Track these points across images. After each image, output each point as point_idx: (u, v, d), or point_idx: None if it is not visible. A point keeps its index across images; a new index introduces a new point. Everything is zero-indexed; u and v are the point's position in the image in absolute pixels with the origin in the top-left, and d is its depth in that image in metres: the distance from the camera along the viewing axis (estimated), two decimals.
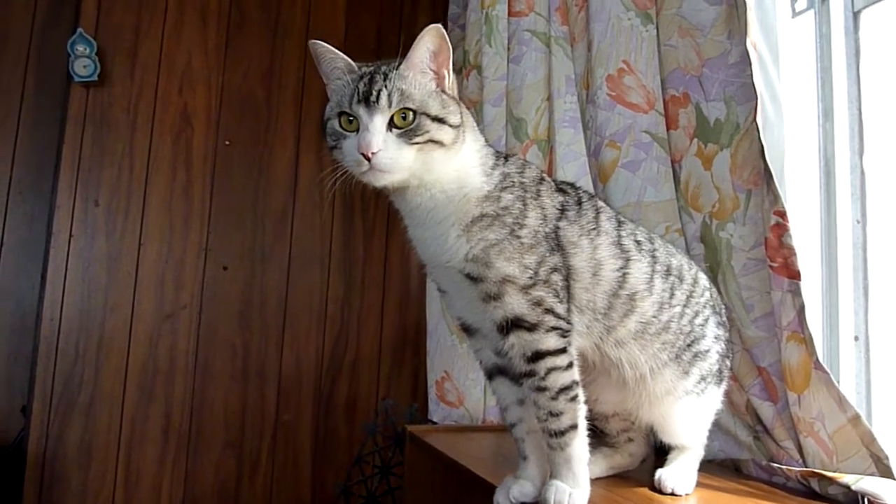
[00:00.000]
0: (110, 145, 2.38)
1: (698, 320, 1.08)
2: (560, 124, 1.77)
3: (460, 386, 2.17)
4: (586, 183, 1.66)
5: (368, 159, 0.91)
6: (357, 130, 0.94)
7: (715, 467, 1.23)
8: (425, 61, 0.96)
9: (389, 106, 0.92)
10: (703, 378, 1.07)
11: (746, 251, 1.21)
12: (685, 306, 1.07)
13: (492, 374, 1.07)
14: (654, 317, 1.04)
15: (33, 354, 2.27)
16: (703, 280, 1.14)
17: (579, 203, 1.05)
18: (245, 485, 2.39)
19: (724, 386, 1.13)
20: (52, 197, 2.34)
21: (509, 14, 1.96)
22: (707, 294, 1.12)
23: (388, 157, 0.91)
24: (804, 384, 1.06)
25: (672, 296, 1.06)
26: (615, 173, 1.44)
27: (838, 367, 1.23)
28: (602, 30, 1.50)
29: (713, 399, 1.11)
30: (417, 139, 0.93)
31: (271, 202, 2.52)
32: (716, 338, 1.10)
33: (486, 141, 1.06)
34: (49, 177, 2.39)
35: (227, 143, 2.49)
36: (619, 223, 1.07)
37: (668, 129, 1.35)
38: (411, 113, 0.93)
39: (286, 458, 2.44)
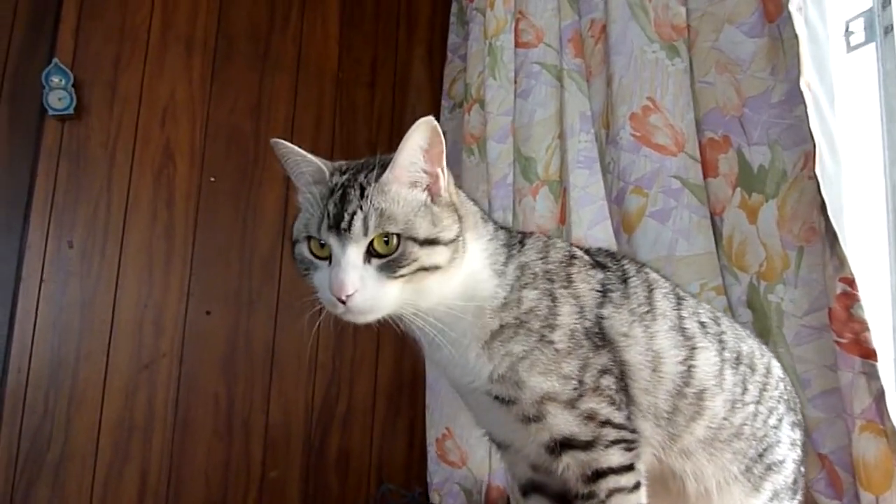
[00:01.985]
0: (86, 182, 2.25)
1: (771, 421, 0.90)
2: (574, 165, 1.63)
3: (463, 444, 2.03)
4: (605, 229, 1.52)
5: (343, 301, 0.75)
6: (330, 259, 0.78)
7: None
8: (417, 163, 0.81)
9: (365, 234, 0.77)
10: (776, 494, 0.90)
11: (799, 317, 1.07)
12: (758, 403, 0.90)
13: (526, 490, 0.91)
14: (726, 419, 0.87)
15: None
16: (777, 369, 0.96)
17: (625, 280, 0.88)
18: None
19: (798, 500, 0.95)
20: (22, 236, 2.20)
21: (516, 45, 1.84)
22: (781, 386, 0.94)
23: (367, 297, 0.76)
24: (885, 484, 0.91)
25: (745, 391, 0.88)
26: (642, 223, 1.29)
27: None
28: (624, 63, 1.38)
29: None
30: (403, 271, 0.77)
31: (259, 243, 2.38)
32: (792, 443, 0.92)
33: (495, 225, 0.89)
34: (20, 215, 2.24)
35: (212, 179, 2.36)
36: (679, 300, 0.90)
37: (705, 177, 1.21)
38: (395, 237, 0.77)
39: None
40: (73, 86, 2.20)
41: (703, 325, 0.89)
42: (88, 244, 2.23)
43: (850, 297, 0.94)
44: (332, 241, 0.77)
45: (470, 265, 0.82)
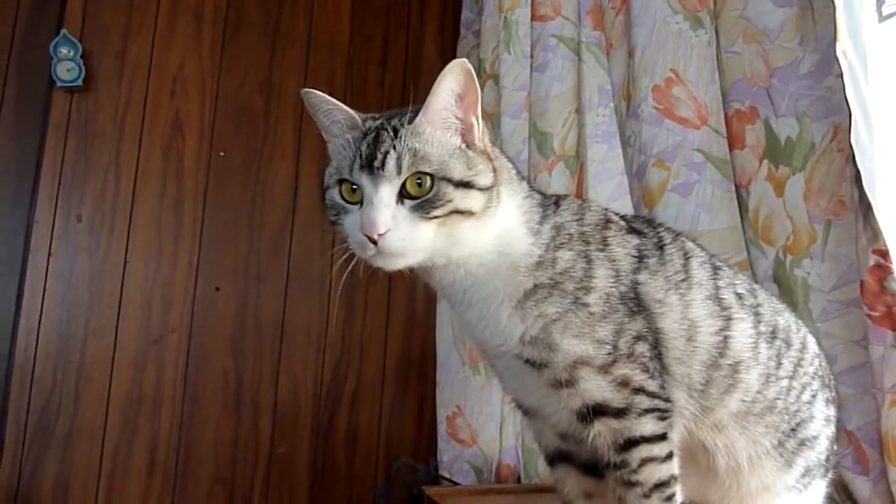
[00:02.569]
0: (95, 155, 2.23)
1: (805, 396, 0.88)
2: (592, 139, 1.61)
3: (474, 422, 2.02)
4: (624, 206, 1.50)
5: (374, 242, 0.73)
6: (362, 202, 0.76)
7: None
8: (449, 108, 0.79)
9: (399, 172, 0.75)
10: (808, 471, 0.88)
11: (826, 292, 1.06)
12: (792, 378, 0.87)
13: (554, 459, 0.89)
14: (760, 392, 0.84)
15: (6, 382, 2.10)
16: (813, 345, 0.94)
17: (661, 246, 0.85)
18: None
19: (829, 476, 0.94)
20: (30, 211, 2.19)
21: (532, 18, 1.82)
22: (816, 362, 0.92)
23: (400, 237, 0.73)
24: None
25: (779, 365, 0.86)
26: (664, 197, 1.27)
27: None
28: (646, 34, 1.35)
29: (816, 495, 0.92)
30: (437, 212, 0.75)
31: (268, 218, 2.36)
32: (826, 420, 0.90)
33: (530, 186, 0.87)
34: (28, 189, 2.23)
35: (221, 154, 2.34)
36: (716, 270, 0.87)
37: (731, 149, 1.19)
38: (428, 178, 0.75)
39: (281, 494, 2.28)
40: (82, 57, 2.17)
41: (739, 296, 0.87)
42: (97, 219, 2.22)
43: (883, 270, 0.92)
44: (365, 181, 0.75)
45: (504, 220, 0.80)
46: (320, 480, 2.30)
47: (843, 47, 1.00)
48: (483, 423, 2.01)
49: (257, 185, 2.36)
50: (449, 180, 0.76)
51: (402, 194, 0.75)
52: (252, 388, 2.29)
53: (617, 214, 0.89)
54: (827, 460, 0.91)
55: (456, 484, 1.92)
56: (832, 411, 0.92)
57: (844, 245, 1.03)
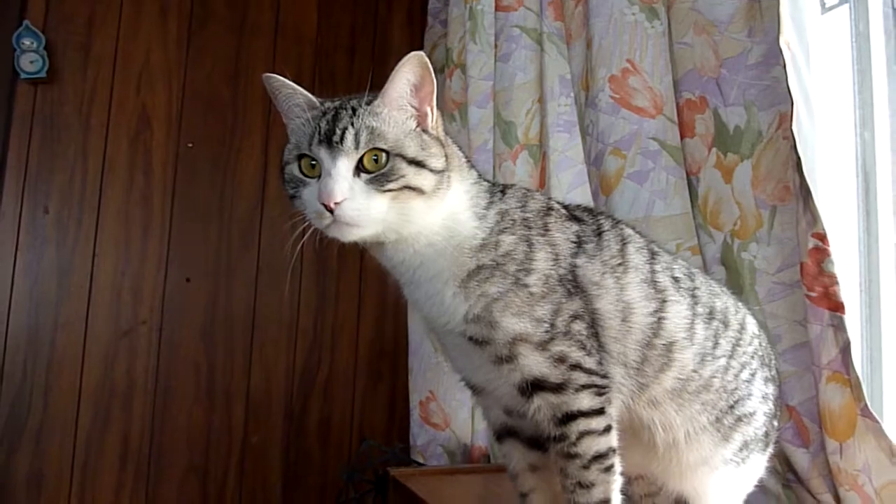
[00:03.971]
0: (61, 148, 2.22)
1: (744, 375, 0.92)
2: (553, 129, 1.63)
3: (446, 407, 2.05)
4: (583, 193, 1.54)
5: (331, 211, 0.76)
6: (319, 176, 0.79)
7: None
8: (405, 96, 0.82)
9: (356, 147, 0.78)
10: (745, 445, 0.91)
11: (772, 274, 1.09)
12: (730, 358, 0.90)
13: (501, 435, 0.92)
14: (695, 371, 0.87)
15: None
16: (752, 325, 0.97)
17: (599, 233, 0.89)
18: None
19: (769, 451, 0.97)
20: None
21: (496, 9, 1.82)
22: (755, 342, 0.95)
23: (355, 207, 0.77)
24: (848, 432, 0.94)
25: (716, 345, 0.89)
26: (620, 184, 1.30)
27: (881, 411, 1.11)
28: (603, 26, 1.37)
29: (755, 468, 0.95)
30: (390, 185, 0.78)
31: (237, 209, 2.37)
32: (763, 397, 0.94)
33: (479, 175, 0.90)
34: None
35: (189, 145, 2.33)
36: (653, 255, 0.91)
37: (682, 137, 1.22)
38: (384, 155, 0.79)
39: (255, 482, 2.30)
40: (45, 48, 2.14)
41: (676, 279, 0.90)
42: (64, 211, 2.20)
43: (821, 252, 0.96)
44: (324, 154, 0.78)
45: (453, 203, 0.84)
46: (293, 468, 2.32)
47: (787, 39, 1.03)
48: (455, 407, 2.04)
49: (226, 175, 2.36)
50: (403, 157, 0.79)
51: (359, 168, 0.78)
52: (224, 378, 2.30)
53: (559, 203, 0.92)
54: (766, 435, 0.94)
55: (421, 465, 1.95)
56: (770, 389, 0.95)
57: (789, 229, 1.06)
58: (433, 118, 0.85)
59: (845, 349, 0.94)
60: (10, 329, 2.12)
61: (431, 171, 0.81)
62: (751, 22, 1.14)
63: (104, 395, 2.18)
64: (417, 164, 0.80)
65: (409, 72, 0.81)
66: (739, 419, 0.91)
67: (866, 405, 0.93)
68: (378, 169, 0.78)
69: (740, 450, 0.91)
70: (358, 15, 2.56)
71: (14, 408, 2.10)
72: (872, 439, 0.92)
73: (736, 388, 0.91)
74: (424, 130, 0.84)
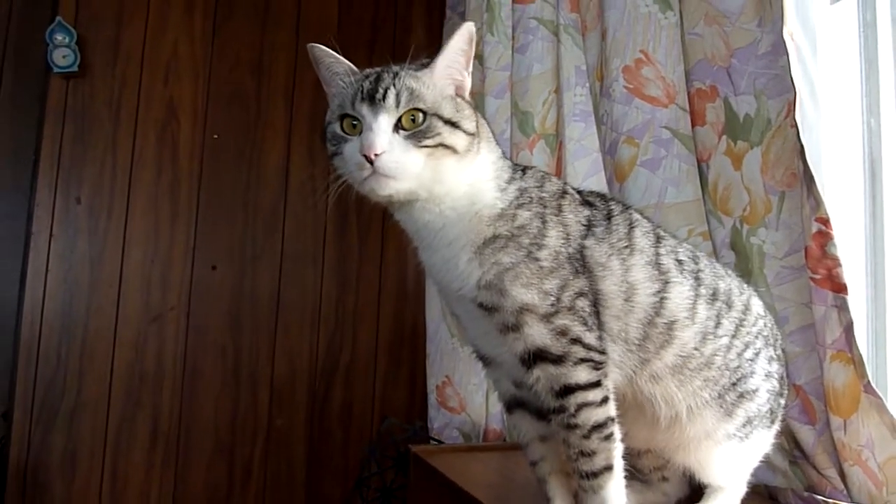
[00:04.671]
0: (92, 140, 2.28)
1: (748, 354, 0.95)
2: (570, 118, 1.67)
3: (462, 391, 2.09)
4: (599, 181, 1.57)
5: (371, 162, 0.81)
6: (360, 133, 0.84)
7: (747, 494, 1.13)
8: (454, 65, 0.88)
9: (397, 105, 0.83)
10: (749, 421, 0.95)
11: (780, 259, 1.12)
12: (733, 337, 0.94)
13: (510, 406, 0.97)
14: (696, 349, 0.91)
15: (13, 359, 2.18)
16: (757, 307, 1.01)
17: (609, 217, 0.93)
18: (236, 492, 2.31)
19: (776, 427, 1.01)
20: (30, 194, 2.24)
21: (513, 1, 1.85)
22: (760, 323, 0.99)
23: (394, 159, 0.82)
24: (851, 408, 0.97)
25: (718, 325, 0.93)
26: (633, 172, 1.34)
27: (885, 388, 1.14)
28: (618, 17, 1.40)
29: (760, 443, 0.99)
30: (427, 142, 0.83)
31: (262, 198, 2.42)
32: (767, 375, 0.97)
33: (503, 154, 0.96)
34: (27, 173, 2.28)
35: (214, 136, 2.39)
36: (658, 239, 0.95)
37: (693, 126, 1.25)
38: (421, 114, 0.84)
39: (279, 464, 2.36)
40: (77, 43, 2.20)
41: (679, 262, 0.94)
42: (96, 201, 2.26)
43: (824, 236, 0.99)
44: (366, 110, 0.83)
45: (479, 171, 0.89)
46: (316, 450, 2.37)
47: (791, 29, 1.05)
48: (471, 391, 2.07)
49: (251, 165, 2.41)
50: (440, 117, 0.85)
51: (398, 126, 0.83)
52: (250, 363, 2.35)
53: (574, 189, 0.97)
54: (770, 412, 0.98)
55: (441, 443, 2.00)
56: (775, 367, 0.99)
57: (796, 214, 1.09)
58: (468, 85, 0.91)
59: (848, 329, 0.97)
60: (45, 314, 2.19)
61: (465, 132, 0.86)
62: (760, 12, 1.16)
63: (134, 379, 2.25)
64: (452, 124, 0.85)
65: (462, 41, 0.87)
66: (742, 395, 0.94)
67: (869, 382, 0.96)
68: (416, 127, 0.83)
69: (744, 425, 0.95)
70: (378, 8, 2.60)
71: (49, 390, 2.17)
72: (875, 415, 0.95)
73: (739, 366, 0.94)
74: (460, 96, 0.89)
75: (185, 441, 2.28)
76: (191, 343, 2.31)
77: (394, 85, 0.83)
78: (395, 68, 0.87)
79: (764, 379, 0.97)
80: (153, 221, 2.31)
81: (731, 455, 0.96)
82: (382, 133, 0.82)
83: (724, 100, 1.19)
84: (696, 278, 0.94)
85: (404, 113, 0.83)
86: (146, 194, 2.31)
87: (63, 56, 2.19)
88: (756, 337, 0.97)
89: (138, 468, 2.23)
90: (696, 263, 0.96)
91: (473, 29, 0.88)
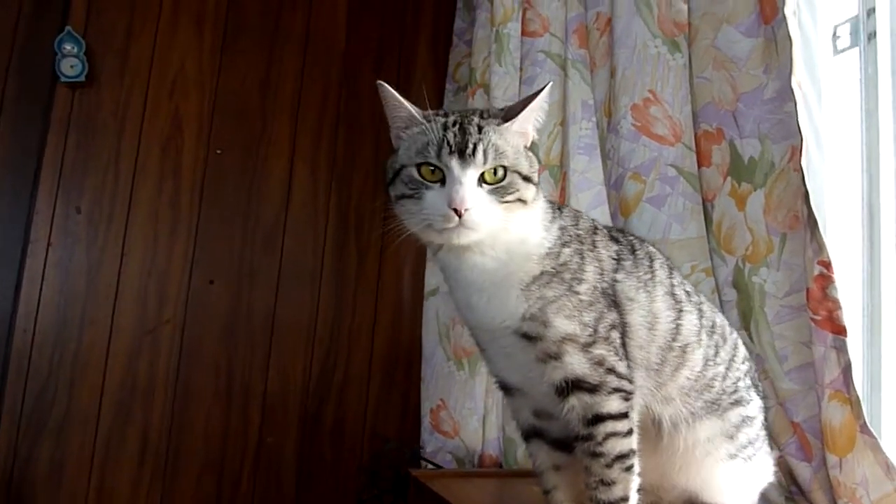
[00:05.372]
0: (95, 150, 2.28)
1: (742, 384, 1.02)
2: (574, 150, 1.70)
3: (456, 415, 2.10)
4: (602, 213, 1.61)
5: (460, 215, 0.84)
6: (440, 182, 0.87)
7: None
8: (530, 119, 0.92)
9: (485, 162, 0.86)
10: (750, 443, 1.01)
11: (780, 298, 1.16)
12: (728, 369, 1.01)
13: (528, 435, 1.00)
14: (701, 371, 0.98)
15: (3, 368, 2.15)
16: (743, 349, 1.08)
17: (633, 252, 0.99)
18: None
19: (775, 455, 1.06)
20: (30, 202, 2.23)
21: (522, 33, 1.90)
22: (747, 364, 1.06)
23: (480, 213, 0.85)
24: (847, 447, 1.00)
25: (716, 353, 1.01)
26: (639, 208, 1.37)
27: (879, 428, 1.17)
28: (627, 56, 1.44)
29: (763, 467, 1.03)
30: (509, 197, 0.87)
31: (262, 215, 2.43)
32: (760, 409, 1.04)
33: (546, 196, 1.00)
34: (28, 180, 2.27)
35: (218, 151, 2.40)
36: (671, 270, 1.02)
37: (699, 166, 1.29)
38: (502, 170, 0.87)
39: (269, 481, 2.34)
40: (85, 54, 2.22)
41: (687, 293, 1.01)
42: (96, 211, 2.26)
43: (825, 279, 1.02)
44: (454, 164, 0.85)
45: (533, 215, 0.93)
46: (307, 469, 2.36)
47: (798, 79, 1.10)
48: (465, 416, 2.07)
49: (252, 182, 2.42)
50: (519, 173, 0.89)
51: (481, 180, 0.87)
52: (243, 379, 2.34)
53: (602, 225, 1.02)
54: (767, 438, 1.04)
55: (440, 467, 2.01)
56: (760, 403, 1.05)
57: (797, 255, 1.13)
58: (533, 137, 0.95)
59: (846, 370, 1.00)
60: (39, 323, 2.18)
61: (534, 184, 0.91)
62: (767, 60, 1.21)
63: (126, 391, 2.23)
64: (527, 179, 0.90)
65: (544, 100, 0.92)
66: (744, 420, 1.00)
67: (865, 423, 0.99)
68: (496, 181, 0.87)
69: (745, 447, 0.99)
70: (385, 29, 2.63)
71: (39, 401, 2.15)
72: (870, 454, 0.98)
73: (736, 391, 1.01)
74: (529, 149, 0.94)
75: (174, 456, 2.26)
76: (184, 357, 2.30)
77: (482, 140, 0.86)
78: (477, 120, 0.90)
79: (759, 410, 1.03)
80: (152, 234, 2.31)
81: (734, 475, 0.99)
82: (471, 188, 0.85)
83: (730, 142, 1.23)
84: (699, 310, 1.01)
85: (488, 168, 0.87)
86: (147, 206, 2.31)
87: (71, 66, 2.21)
88: (745, 374, 1.04)
89: (126, 483, 2.20)
90: (698, 297, 1.04)
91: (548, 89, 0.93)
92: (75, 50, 2.22)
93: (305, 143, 2.49)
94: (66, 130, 2.26)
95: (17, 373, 2.14)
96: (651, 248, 1.03)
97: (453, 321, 2.14)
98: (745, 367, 1.05)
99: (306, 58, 2.52)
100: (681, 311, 0.97)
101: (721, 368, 1.00)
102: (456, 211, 0.84)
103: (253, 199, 2.42)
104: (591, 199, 1.68)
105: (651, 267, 0.98)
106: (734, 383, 1.01)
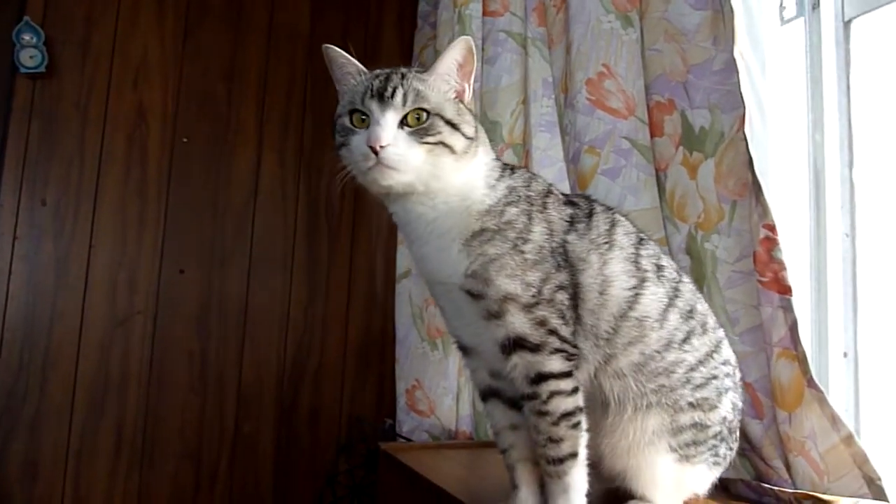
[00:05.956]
0: (59, 141, 2.26)
1: (716, 386, 0.98)
2: (536, 128, 1.73)
3: (431, 394, 2.12)
4: (563, 189, 1.62)
5: (376, 153, 0.87)
6: (368, 127, 0.91)
7: None
8: (450, 72, 0.95)
9: (404, 104, 0.90)
10: (694, 443, 0.96)
11: (731, 263, 1.19)
12: (700, 363, 0.97)
13: (486, 396, 1.02)
14: (658, 352, 0.95)
15: None
16: (728, 351, 1.03)
17: (590, 215, 0.99)
18: (203, 498, 2.30)
19: (717, 472, 1.02)
20: None
21: (483, 13, 1.91)
22: (729, 368, 1.02)
23: (397, 152, 0.88)
24: (796, 402, 1.03)
25: (686, 340, 0.97)
26: (594, 180, 1.40)
27: (827, 384, 1.21)
28: (582, 32, 1.46)
29: (698, 477, 0.99)
30: (428, 139, 0.90)
31: (231, 202, 2.42)
32: (722, 419, 0.99)
33: (496, 156, 1.02)
34: None
35: (184, 140, 2.38)
36: (640, 241, 1.01)
37: (652, 137, 1.31)
38: (425, 114, 0.91)
39: (246, 470, 2.35)
40: (45, 44, 2.19)
41: (659, 268, 0.99)
42: (62, 203, 2.24)
43: (771, 242, 1.05)
44: (374, 106, 0.90)
45: (472, 172, 0.95)
46: (284, 455, 2.37)
47: (741, 48, 1.13)
48: (440, 394, 2.10)
49: (220, 169, 2.41)
50: (441, 117, 0.91)
51: (404, 123, 0.90)
52: (217, 368, 2.34)
53: (558, 190, 1.03)
54: (714, 448, 0.98)
55: (410, 441, 2.03)
56: (735, 418, 1.02)
57: (746, 222, 1.16)
58: (469, 94, 0.98)
59: (793, 328, 1.04)
60: (7, 318, 2.16)
61: (463, 135, 0.93)
62: (715, 32, 1.23)
63: (99, 384, 2.22)
64: (453, 126, 0.92)
65: (456, 52, 0.95)
66: (695, 425, 0.96)
67: (812, 377, 1.03)
68: (419, 125, 0.90)
69: (688, 445, 0.96)
70: (350, 15, 2.62)
71: (10, 396, 2.13)
72: (817, 408, 1.02)
73: (702, 388, 0.97)
74: (462, 102, 0.96)
75: (150, 448, 2.26)
76: (157, 348, 2.30)
77: (402, 85, 0.90)
78: (403, 70, 0.94)
79: (721, 421, 0.99)
80: (120, 224, 2.30)
81: (668, 469, 0.96)
82: (388, 127, 0.88)
83: (681, 113, 1.25)
84: (675, 290, 0.99)
85: (409, 111, 0.90)
86: (113, 197, 2.29)
87: (30, 56, 2.18)
88: (726, 376, 1.00)
89: (102, 476, 2.20)
90: (679, 277, 1.02)
91: (471, 42, 0.95)
92: (34, 40, 2.19)
93: (272, 129, 2.48)
94: (28, 122, 2.23)
95: None
96: (619, 217, 1.02)
97: (426, 302, 2.16)
98: (726, 370, 1.00)
99: (270, 43, 2.51)
100: (643, 280, 0.96)
101: (688, 357, 0.96)
102: (372, 149, 0.87)
103: (221, 186, 2.41)
104: (553, 176, 1.70)
105: (610, 231, 0.98)
106: (706, 380, 0.97)
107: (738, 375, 1.05)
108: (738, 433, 1.05)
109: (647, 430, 0.95)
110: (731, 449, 1.03)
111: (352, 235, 2.54)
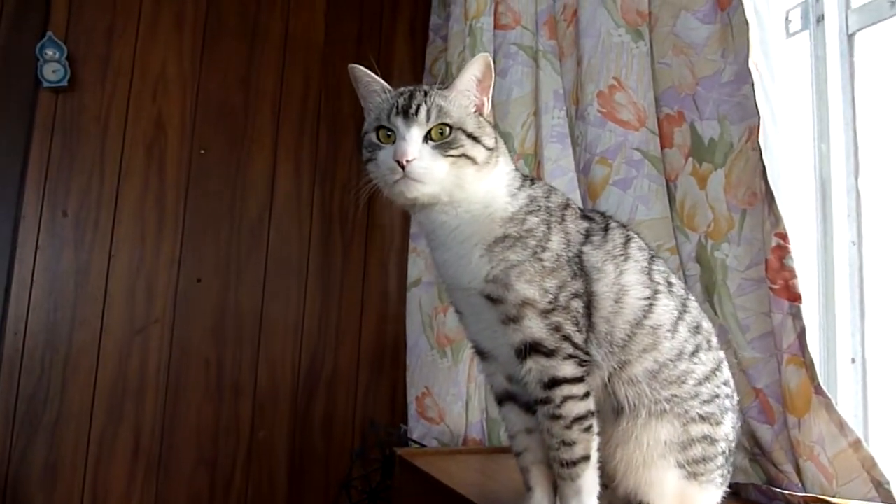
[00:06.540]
0: (80, 153, 2.30)
1: (720, 404, 0.99)
2: (548, 139, 1.76)
3: (441, 402, 2.14)
4: (574, 200, 1.65)
5: (403, 167, 0.92)
6: (392, 142, 0.95)
7: None
8: (470, 88, 0.99)
9: (428, 120, 0.94)
10: (704, 461, 0.96)
11: (741, 271, 1.21)
12: (707, 378, 0.99)
13: (502, 400, 1.04)
14: (671, 361, 0.97)
15: None
16: (727, 372, 1.04)
17: (606, 229, 1.03)
18: None
19: (720, 493, 1.01)
20: (17, 206, 2.25)
21: (495, 27, 1.94)
22: (728, 389, 1.02)
23: (423, 166, 0.92)
24: (804, 408, 1.05)
25: (695, 353, 0.99)
26: (606, 191, 1.43)
27: (835, 390, 1.23)
28: (593, 45, 1.49)
29: (707, 498, 0.98)
30: (452, 152, 0.94)
31: (247, 212, 2.46)
32: (725, 436, 0.99)
33: (516, 167, 1.06)
34: (14, 185, 2.29)
35: (202, 151, 2.43)
36: (652, 258, 1.04)
37: (662, 148, 1.34)
38: (448, 128, 0.95)
39: (261, 476, 2.38)
40: (67, 58, 2.24)
41: (670, 283, 1.02)
42: (82, 214, 2.28)
43: (782, 250, 1.08)
44: (399, 123, 0.94)
45: (494, 181, 0.99)
46: (298, 462, 2.39)
47: (755, 60, 1.15)
48: (449, 402, 2.12)
49: (236, 180, 2.44)
50: (463, 130, 0.95)
51: (428, 138, 0.94)
52: (233, 375, 2.37)
53: (576, 205, 1.07)
54: (721, 469, 0.98)
55: (424, 446, 2.05)
56: (734, 436, 1.01)
57: (756, 230, 1.18)
58: (488, 107, 1.02)
59: (801, 334, 1.06)
60: (30, 326, 2.20)
61: (484, 146, 0.97)
62: (723, 45, 1.26)
63: (118, 391, 2.25)
64: (474, 138, 0.96)
65: (475, 69, 0.99)
66: (705, 437, 0.96)
67: (819, 384, 1.05)
68: (443, 139, 0.94)
69: (697, 462, 0.96)
70: (364, 26, 2.66)
71: (32, 402, 2.17)
72: (825, 414, 1.04)
73: (710, 403, 0.97)
74: (481, 115, 1.01)
75: (167, 453, 2.28)
76: (174, 355, 2.33)
77: (425, 102, 0.95)
78: (426, 88, 0.99)
79: (725, 440, 0.99)
80: (139, 234, 2.33)
81: (679, 485, 0.95)
82: (414, 142, 0.93)
83: (691, 124, 1.28)
84: (684, 305, 1.02)
85: (433, 127, 0.94)
86: (133, 208, 2.34)
87: (53, 71, 2.23)
88: (726, 397, 1.01)
89: (120, 481, 2.23)
90: (687, 295, 1.04)
91: (489, 59, 1.00)
92: (57, 55, 2.24)
93: (288, 139, 2.52)
94: (50, 135, 2.28)
95: (8, 375, 2.16)
96: (633, 233, 1.06)
97: (436, 310, 2.18)
98: (727, 390, 1.01)
99: (286, 56, 2.55)
100: (656, 292, 0.99)
101: (698, 368, 0.98)
102: (399, 163, 0.91)
103: (237, 196, 2.45)
104: (564, 186, 1.73)
105: (625, 245, 1.01)
106: (712, 396, 0.98)
107: (736, 399, 1.04)
108: (733, 458, 1.04)
109: (661, 440, 0.95)
110: (729, 472, 1.03)
111: (364, 245, 2.57)
